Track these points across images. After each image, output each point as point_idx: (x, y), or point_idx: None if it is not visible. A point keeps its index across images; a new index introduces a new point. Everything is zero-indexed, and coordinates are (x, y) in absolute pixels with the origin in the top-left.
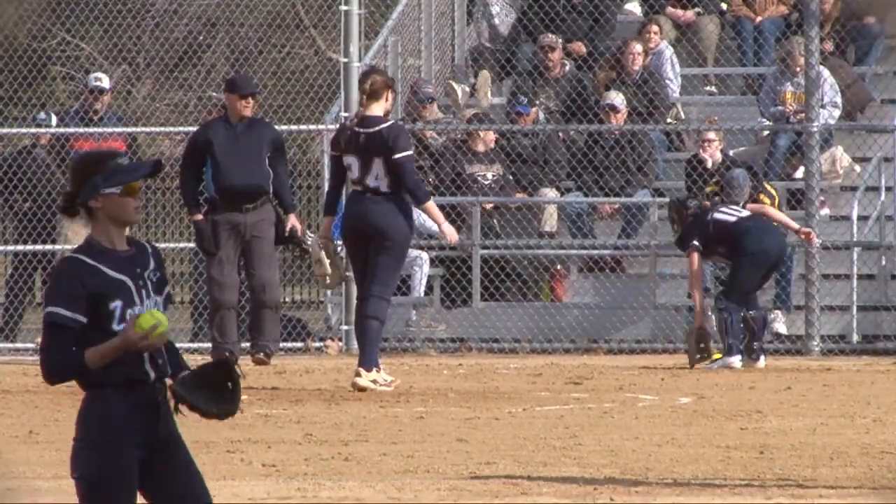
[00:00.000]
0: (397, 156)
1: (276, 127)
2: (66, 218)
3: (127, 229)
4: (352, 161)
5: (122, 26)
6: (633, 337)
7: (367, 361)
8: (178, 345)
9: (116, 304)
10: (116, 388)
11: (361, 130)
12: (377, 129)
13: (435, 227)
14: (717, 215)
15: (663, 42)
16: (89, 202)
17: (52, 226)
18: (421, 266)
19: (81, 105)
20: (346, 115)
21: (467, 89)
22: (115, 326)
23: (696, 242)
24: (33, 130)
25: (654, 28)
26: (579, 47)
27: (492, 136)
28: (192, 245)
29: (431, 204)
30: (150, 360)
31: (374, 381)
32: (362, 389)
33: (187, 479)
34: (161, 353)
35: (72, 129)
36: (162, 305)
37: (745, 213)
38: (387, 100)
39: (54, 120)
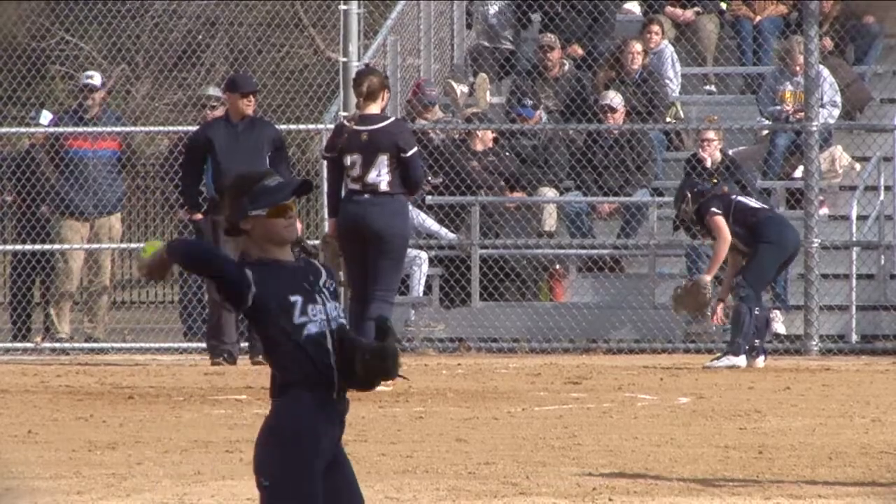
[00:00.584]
0: (409, 153)
1: (276, 126)
2: (61, 218)
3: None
4: (355, 159)
5: (122, 26)
6: (632, 337)
7: None
8: (169, 344)
9: (297, 298)
10: (309, 390)
11: (363, 129)
12: (382, 125)
13: (434, 227)
14: (740, 198)
15: (664, 41)
16: (240, 224)
17: (52, 225)
18: (420, 266)
19: (80, 104)
20: (344, 114)
21: (465, 89)
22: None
23: (714, 209)
24: (31, 130)
25: (656, 28)
26: (576, 49)
27: (490, 134)
28: None
29: None
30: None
31: None
32: None
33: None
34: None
35: (70, 129)
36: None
37: (764, 205)
38: (382, 99)
39: (46, 118)
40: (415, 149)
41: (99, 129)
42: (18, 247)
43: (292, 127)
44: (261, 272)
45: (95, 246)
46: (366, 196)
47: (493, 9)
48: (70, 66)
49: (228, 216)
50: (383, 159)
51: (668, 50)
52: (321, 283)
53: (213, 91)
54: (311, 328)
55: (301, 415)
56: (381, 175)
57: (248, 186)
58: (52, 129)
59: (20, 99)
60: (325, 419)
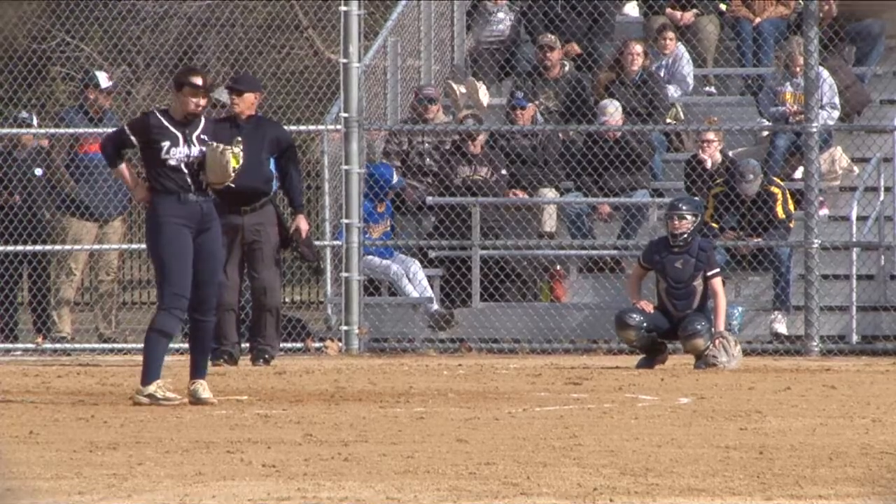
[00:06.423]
0: None
1: (283, 127)
2: (71, 219)
3: None
4: None
5: (122, 27)
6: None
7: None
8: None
9: None
10: None
11: None
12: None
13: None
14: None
15: (678, 44)
16: None
17: (42, 226)
18: (415, 274)
19: (84, 101)
20: (345, 115)
21: (465, 90)
22: None
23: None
24: (32, 131)
25: (670, 34)
26: (574, 48)
27: (481, 137)
28: None
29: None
30: None
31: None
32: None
33: None
34: None
35: (70, 130)
36: None
37: None
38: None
39: (35, 121)
40: None
41: (100, 129)
42: (10, 247)
43: (293, 128)
44: None
45: (98, 247)
46: None
47: (492, 10)
48: (71, 68)
49: None
50: None
51: (681, 50)
52: None
53: (219, 94)
54: None
55: None
56: None
57: None
58: (52, 131)
59: (21, 100)
60: None
